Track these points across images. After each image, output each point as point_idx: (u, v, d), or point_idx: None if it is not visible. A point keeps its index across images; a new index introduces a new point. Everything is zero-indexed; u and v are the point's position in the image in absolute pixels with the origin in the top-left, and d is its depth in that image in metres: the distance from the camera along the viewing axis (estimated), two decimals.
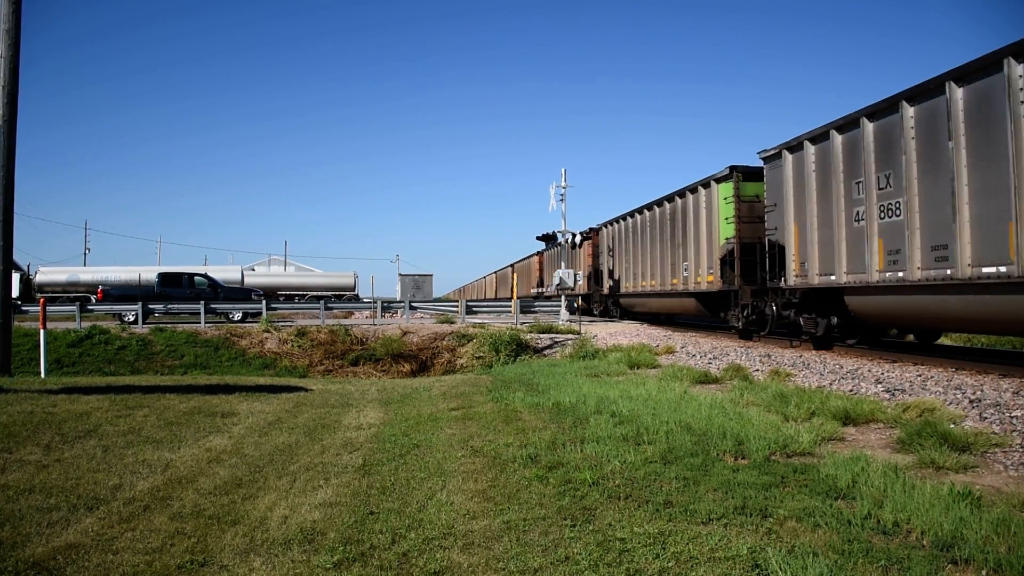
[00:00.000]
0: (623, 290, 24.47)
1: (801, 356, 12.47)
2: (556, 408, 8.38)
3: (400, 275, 43.28)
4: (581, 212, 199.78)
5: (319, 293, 50.85)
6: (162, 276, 29.06)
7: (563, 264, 27.89)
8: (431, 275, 45.50)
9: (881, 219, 10.96)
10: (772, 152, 14.28)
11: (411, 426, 7.92)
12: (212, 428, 7.82)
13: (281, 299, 45.14)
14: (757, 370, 11.37)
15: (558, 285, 25.64)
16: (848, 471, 5.06)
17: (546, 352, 18.34)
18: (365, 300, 35.65)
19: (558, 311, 25.37)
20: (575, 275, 25.77)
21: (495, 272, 60.61)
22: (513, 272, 45.55)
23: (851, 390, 8.94)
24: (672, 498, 4.69)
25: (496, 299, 52.49)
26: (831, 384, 9.49)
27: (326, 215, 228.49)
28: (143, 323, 24.00)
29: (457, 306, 26.72)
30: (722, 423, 6.89)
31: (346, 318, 28.46)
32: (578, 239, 27.06)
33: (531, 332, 20.59)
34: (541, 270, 38.89)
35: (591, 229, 28.78)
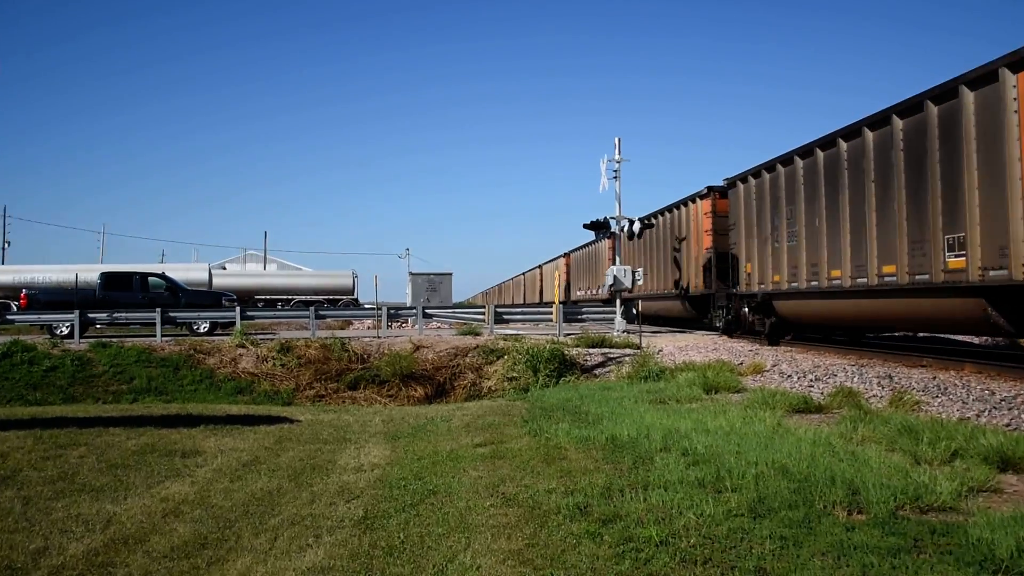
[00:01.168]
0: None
1: (935, 378, 12.23)
2: (611, 444, 8.38)
3: (411, 274, 43.41)
4: (634, 198, 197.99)
5: (309, 297, 51.46)
6: (106, 277, 29.39)
7: (618, 259, 27.70)
8: (450, 274, 45.47)
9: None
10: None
11: (425, 467, 7.95)
12: (169, 471, 7.89)
13: (260, 305, 45.72)
14: (874, 395, 11.18)
15: (612, 286, 25.54)
16: (1010, 534, 4.89)
17: (597, 372, 18.32)
18: (367, 306, 35.86)
19: (612, 319, 25.28)
20: (633, 272, 25.60)
21: (533, 269, 60.73)
22: (556, 270, 45.58)
23: (1009, 424, 8.73)
24: (766, 564, 4.63)
25: (533, 304, 52.53)
26: (978, 416, 9.28)
27: (317, 203, 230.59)
28: (80, 337, 24.34)
29: (483, 313, 26.80)
30: (829, 465, 6.79)
31: (343, 329, 28.71)
32: (636, 226, 26.71)
33: (578, 346, 20.59)
34: (591, 267, 38.88)
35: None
